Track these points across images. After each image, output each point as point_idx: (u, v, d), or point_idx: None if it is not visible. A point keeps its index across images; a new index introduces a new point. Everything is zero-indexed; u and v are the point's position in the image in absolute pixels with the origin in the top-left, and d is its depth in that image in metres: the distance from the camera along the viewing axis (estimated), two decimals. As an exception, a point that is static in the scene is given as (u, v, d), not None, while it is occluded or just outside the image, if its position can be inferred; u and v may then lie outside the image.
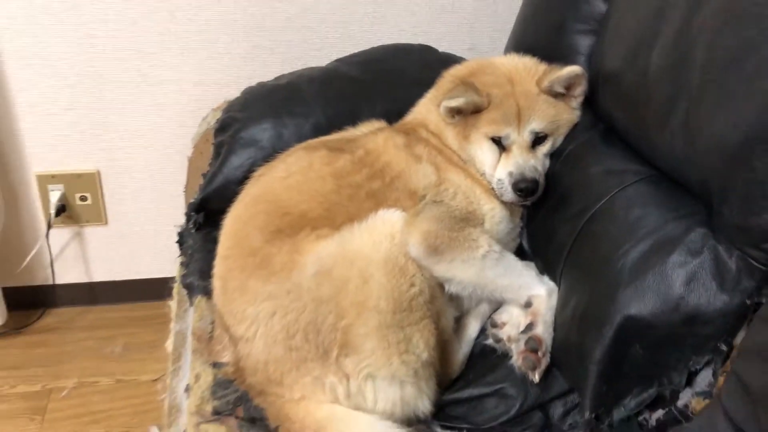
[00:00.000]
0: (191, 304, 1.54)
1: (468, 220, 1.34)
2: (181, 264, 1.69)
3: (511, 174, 1.38)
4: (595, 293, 1.19)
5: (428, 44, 1.86)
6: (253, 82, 1.78)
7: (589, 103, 1.47)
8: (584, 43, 1.53)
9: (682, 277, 1.07)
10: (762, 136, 0.97)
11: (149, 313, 2.26)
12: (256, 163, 1.53)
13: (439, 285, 1.28)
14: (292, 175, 1.38)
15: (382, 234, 1.22)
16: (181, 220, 1.73)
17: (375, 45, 1.86)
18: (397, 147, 1.41)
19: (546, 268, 1.36)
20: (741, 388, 0.77)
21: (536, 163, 1.43)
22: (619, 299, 1.11)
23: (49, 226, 2.12)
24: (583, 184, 1.35)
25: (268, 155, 1.53)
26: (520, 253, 1.44)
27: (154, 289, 2.12)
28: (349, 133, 1.52)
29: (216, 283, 1.38)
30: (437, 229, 1.25)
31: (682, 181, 1.20)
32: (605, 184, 1.29)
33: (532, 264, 1.37)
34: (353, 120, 1.56)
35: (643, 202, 1.22)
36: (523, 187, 1.37)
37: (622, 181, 1.27)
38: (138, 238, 2.21)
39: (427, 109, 1.52)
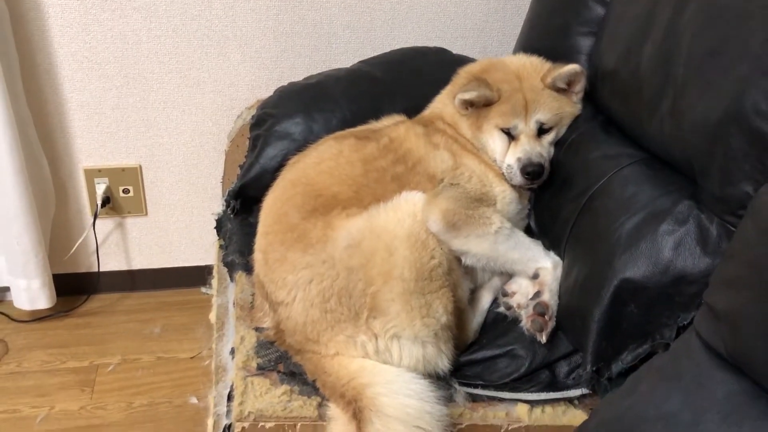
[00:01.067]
0: (232, 279, 1.68)
1: (482, 200, 1.46)
2: (220, 246, 1.83)
3: (519, 160, 1.50)
4: (594, 261, 1.32)
5: (443, 47, 1.94)
6: (283, 83, 1.88)
7: (589, 97, 1.59)
8: (585, 43, 1.64)
9: (670, 244, 1.19)
10: (737, 117, 1.11)
11: (184, 298, 2.41)
12: (289, 154, 1.64)
13: (456, 259, 1.38)
14: (324, 161, 1.49)
15: (406, 212, 1.33)
16: (215, 211, 1.86)
17: (394, 48, 1.95)
18: (417, 136, 1.52)
19: (552, 244, 1.47)
20: (709, 312, 0.90)
21: (542, 150, 1.56)
22: (616, 265, 1.23)
23: (95, 217, 2.26)
24: (585, 167, 1.48)
25: (300, 146, 1.64)
26: (528, 233, 1.54)
27: (189, 277, 2.33)
28: (373, 125, 1.64)
29: (257, 256, 1.51)
30: (454, 207, 1.36)
31: (671, 161, 1.33)
32: (604, 167, 1.42)
33: (539, 241, 1.48)
34: (376, 115, 1.66)
35: (637, 181, 1.34)
36: (530, 170, 1.49)
37: (618, 163, 1.39)
38: (174, 228, 2.32)
39: (444, 103, 1.63)
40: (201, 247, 2.36)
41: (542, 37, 1.76)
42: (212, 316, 1.66)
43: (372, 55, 1.91)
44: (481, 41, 2.18)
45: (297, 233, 1.38)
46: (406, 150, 1.50)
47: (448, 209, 1.35)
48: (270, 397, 1.28)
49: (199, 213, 2.29)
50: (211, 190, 2.27)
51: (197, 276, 2.24)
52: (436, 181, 1.47)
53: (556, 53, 1.63)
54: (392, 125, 1.60)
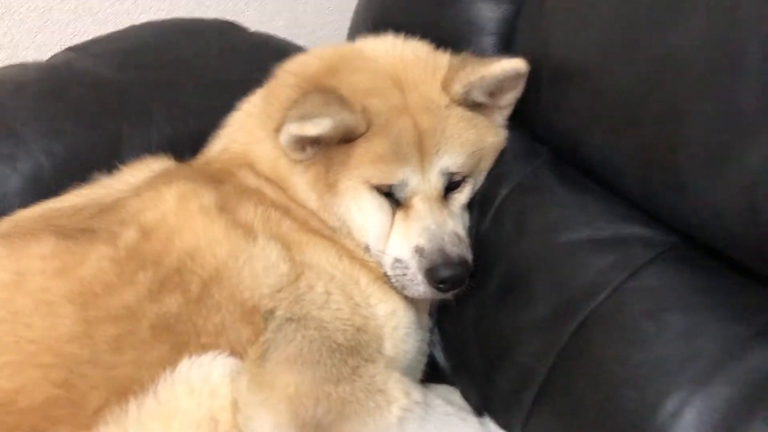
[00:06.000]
0: None
1: (359, 348, 0.89)
2: None
3: (420, 251, 0.93)
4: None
5: (229, 19, 1.42)
6: None
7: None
8: (490, 15, 1.13)
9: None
10: None
11: None
12: None
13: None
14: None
15: (192, 420, 0.77)
16: None
17: (136, 23, 1.39)
18: (204, 213, 0.91)
19: (490, 405, 0.95)
20: None
21: (456, 226, 0.96)
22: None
23: None
24: (552, 263, 0.91)
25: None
26: (434, 376, 1.03)
27: None
28: (103, 188, 0.99)
29: None
30: (313, 385, 0.81)
31: (747, 258, 0.76)
32: (597, 266, 0.87)
33: (466, 407, 0.97)
34: (108, 158, 1.08)
35: (684, 303, 0.79)
36: (448, 276, 0.91)
37: (627, 259, 0.86)
38: None
39: (252, 135, 1.03)
40: None
41: (407, 4, 1.24)
42: None
43: (94, 36, 1.33)
44: (289, 10, 1.62)
45: None
46: (182, 253, 0.87)
47: (300, 392, 0.81)
48: None
49: None
50: None
51: None
52: (260, 316, 0.87)
53: (436, 33, 1.11)
54: (146, 189, 0.95)
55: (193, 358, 0.78)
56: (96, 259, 0.81)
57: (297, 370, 0.80)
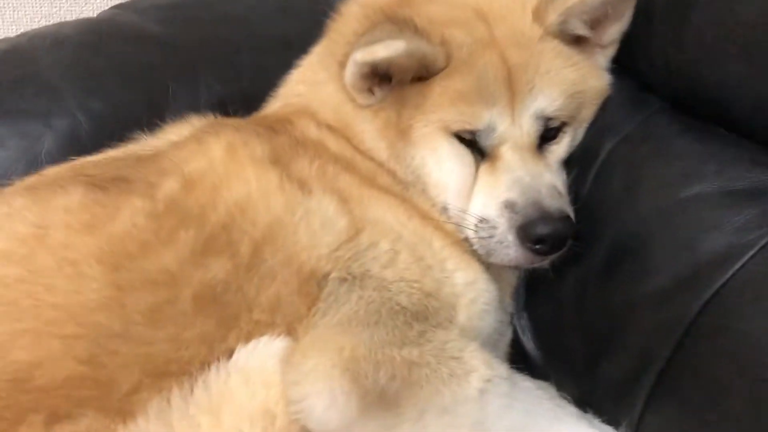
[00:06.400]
0: None
1: (426, 314, 0.77)
2: None
3: (511, 206, 0.80)
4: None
5: None
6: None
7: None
8: None
9: None
10: None
11: None
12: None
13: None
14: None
15: (245, 413, 0.65)
16: None
17: None
18: (256, 163, 0.80)
19: (593, 399, 0.81)
20: None
21: (554, 179, 0.83)
22: None
23: None
24: (674, 222, 0.79)
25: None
26: (519, 365, 0.86)
27: None
28: (143, 144, 0.90)
29: None
30: (372, 348, 0.70)
31: None
32: (734, 223, 0.75)
33: (551, 390, 0.81)
34: (152, 117, 0.98)
35: None
36: (546, 233, 0.77)
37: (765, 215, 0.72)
38: None
39: (314, 83, 0.92)
40: None
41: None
42: None
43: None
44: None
45: None
46: (231, 205, 0.76)
47: (357, 356, 0.69)
48: None
49: None
50: None
51: None
52: (317, 282, 0.75)
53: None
54: (188, 143, 0.85)
55: (251, 343, 0.67)
56: (130, 214, 0.71)
57: (351, 332, 0.69)
